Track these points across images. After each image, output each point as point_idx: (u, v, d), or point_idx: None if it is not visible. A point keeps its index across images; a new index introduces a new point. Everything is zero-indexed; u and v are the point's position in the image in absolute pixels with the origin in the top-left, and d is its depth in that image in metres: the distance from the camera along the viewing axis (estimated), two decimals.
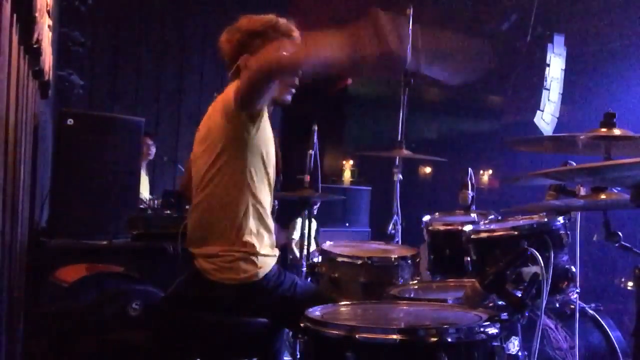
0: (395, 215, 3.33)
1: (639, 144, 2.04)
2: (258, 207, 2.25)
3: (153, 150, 6.28)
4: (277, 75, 2.12)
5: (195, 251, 2.30)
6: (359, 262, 2.69)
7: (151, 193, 6.12)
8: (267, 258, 2.26)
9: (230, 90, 2.20)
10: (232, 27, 2.39)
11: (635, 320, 1.69)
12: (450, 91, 11.59)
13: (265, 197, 2.28)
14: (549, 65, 8.29)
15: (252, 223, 2.23)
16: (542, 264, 1.81)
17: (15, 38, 2.19)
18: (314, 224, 7.35)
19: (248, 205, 2.22)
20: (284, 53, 2.10)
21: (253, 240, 2.22)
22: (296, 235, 6.87)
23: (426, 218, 2.99)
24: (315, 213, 7.51)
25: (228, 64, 2.38)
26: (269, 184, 2.30)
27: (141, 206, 4.26)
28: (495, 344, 1.69)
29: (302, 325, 1.78)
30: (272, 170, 2.31)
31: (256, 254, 2.22)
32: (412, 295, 2.39)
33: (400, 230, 3.34)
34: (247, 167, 2.20)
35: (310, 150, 3.60)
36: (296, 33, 2.30)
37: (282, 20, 2.31)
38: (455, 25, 8.87)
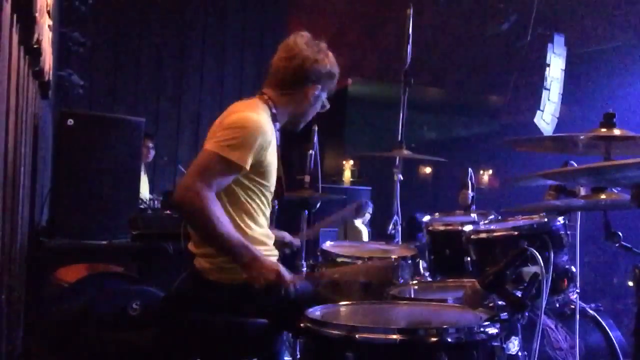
0: (395, 215, 3.33)
1: (639, 144, 2.04)
2: (256, 207, 2.25)
3: (152, 153, 6.30)
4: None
5: (196, 251, 2.30)
6: (359, 262, 2.69)
7: (151, 193, 6.12)
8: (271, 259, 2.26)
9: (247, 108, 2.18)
10: (323, 49, 2.38)
11: (635, 320, 1.69)
12: (450, 91, 11.60)
13: (264, 198, 2.29)
14: (549, 65, 8.28)
15: (250, 223, 2.23)
16: (542, 264, 1.81)
17: (15, 38, 2.20)
18: (365, 230, 7.49)
19: (246, 206, 2.22)
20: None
21: (251, 241, 2.21)
22: (364, 236, 6.94)
23: (426, 218, 2.99)
24: (368, 218, 7.67)
25: (290, 71, 2.33)
26: (269, 190, 2.30)
27: (141, 206, 4.26)
28: (495, 344, 1.69)
29: (302, 325, 1.78)
30: (273, 172, 2.31)
31: None
32: (412, 295, 2.39)
33: (400, 230, 3.33)
34: (244, 183, 2.21)
35: (311, 151, 3.60)
36: None
37: None
38: (456, 25, 8.88)
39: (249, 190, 2.23)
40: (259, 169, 2.21)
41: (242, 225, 2.22)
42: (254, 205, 2.25)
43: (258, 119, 2.21)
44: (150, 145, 6.22)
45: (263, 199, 2.28)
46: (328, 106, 2.48)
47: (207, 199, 2.04)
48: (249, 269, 2.10)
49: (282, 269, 2.13)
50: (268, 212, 2.35)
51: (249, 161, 2.13)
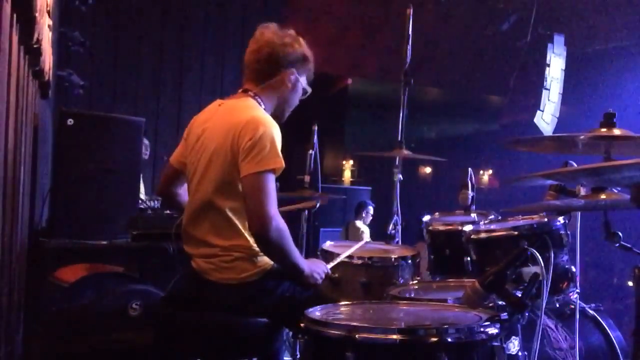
0: (395, 215, 3.33)
1: (639, 144, 2.03)
2: None
3: (147, 151, 6.29)
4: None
5: (193, 252, 2.30)
6: (359, 262, 2.69)
7: (148, 193, 6.10)
8: (266, 258, 2.27)
9: (245, 132, 2.17)
10: (290, 35, 2.41)
11: (635, 320, 1.69)
12: (450, 91, 11.60)
13: None
14: (549, 65, 8.29)
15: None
16: (542, 264, 1.81)
17: (15, 38, 2.19)
18: (367, 230, 7.51)
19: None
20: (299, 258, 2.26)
21: (251, 241, 2.22)
22: (367, 236, 6.96)
23: (426, 218, 2.99)
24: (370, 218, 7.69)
25: (268, 61, 2.38)
26: None
27: (141, 206, 4.25)
28: (495, 344, 1.69)
29: (302, 325, 1.78)
30: None
31: (255, 253, 2.22)
32: (412, 295, 2.39)
33: (400, 230, 3.33)
34: None
35: (310, 150, 3.60)
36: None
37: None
38: (456, 25, 8.89)
39: None
40: None
41: (246, 234, 2.22)
42: None
43: (265, 115, 2.27)
44: (147, 142, 6.20)
45: None
46: (310, 91, 2.50)
47: (283, 222, 2.15)
48: (306, 278, 2.28)
49: (326, 268, 2.43)
50: None
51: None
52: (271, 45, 2.37)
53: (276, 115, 2.43)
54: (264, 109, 2.35)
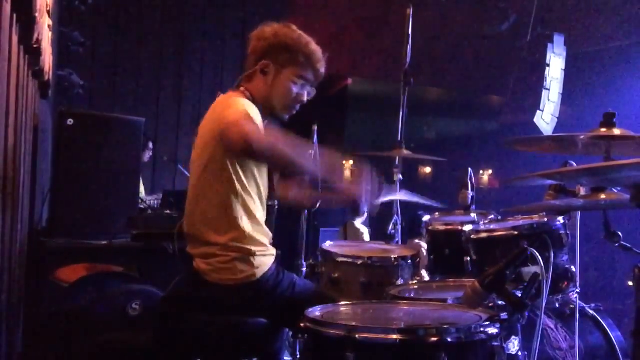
0: (395, 215, 3.33)
1: (639, 144, 2.04)
2: (252, 206, 2.25)
3: (148, 154, 6.33)
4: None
5: (194, 252, 2.30)
6: (359, 262, 2.69)
7: (150, 193, 6.12)
8: (264, 258, 2.26)
9: (230, 107, 2.22)
10: (271, 28, 2.40)
11: (635, 320, 1.69)
12: (450, 91, 11.59)
13: (259, 196, 2.29)
14: (549, 65, 8.27)
15: (246, 223, 2.23)
16: (542, 264, 1.81)
17: (15, 38, 2.20)
18: (366, 230, 7.50)
19: (241, 206, 2.22)
20: (302, 156, 2.27)
21: (248, 240, 2.21)
22: (366, 237, 6.96)
23: (426, 218, 2.99)
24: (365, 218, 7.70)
25: (249, 56, 2.41)
26: (262, 185, 2.31)
27: (141, 206, 4.25)
28: (495, 344, 1.69)
29: (302, 325, 1.78)
30: (264, 170, 2.32)
31: (252, 254, 2.22)
32: (412, 295, 2.39)
33: (400, 230, 3.34)
34: (236, 172, 2.21)
35: (310, 150, 3.59)
36: (322, 67, 2.40)
37: (318, 51, 2.39)
38: (456, 25, 8.89)
39: (245, 188, 2.23)
40: None
41: (240, 223, 2.21)
42: (251, 204, 2.25)
43: (245, 102, 2.27)
44: (150, 146, 6.23)
45: (257, 198, 2.28)
46: (310, 79, 2.41)
47: (259, 132, 2.16)
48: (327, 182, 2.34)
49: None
50: (264, 211, 2.34)
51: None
52: (251, 40, 2.40)
53: (272, 113, 2.42)
54: (252, 102, 2.35)
